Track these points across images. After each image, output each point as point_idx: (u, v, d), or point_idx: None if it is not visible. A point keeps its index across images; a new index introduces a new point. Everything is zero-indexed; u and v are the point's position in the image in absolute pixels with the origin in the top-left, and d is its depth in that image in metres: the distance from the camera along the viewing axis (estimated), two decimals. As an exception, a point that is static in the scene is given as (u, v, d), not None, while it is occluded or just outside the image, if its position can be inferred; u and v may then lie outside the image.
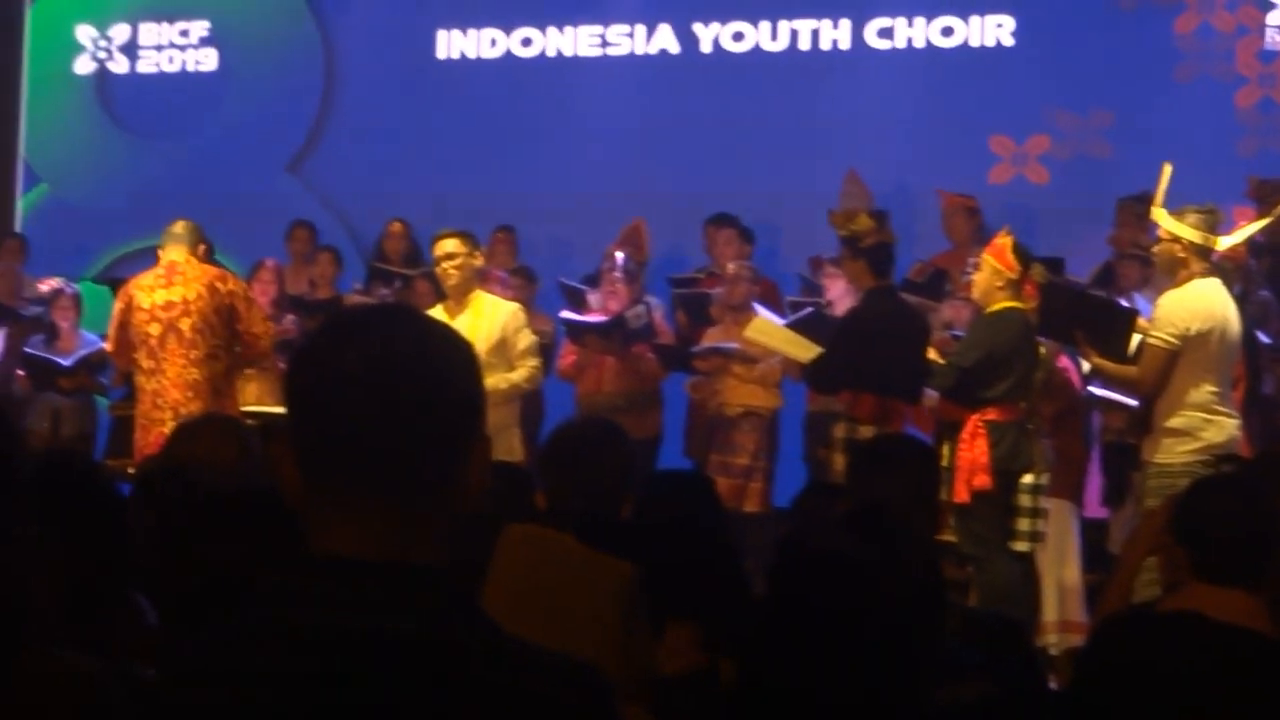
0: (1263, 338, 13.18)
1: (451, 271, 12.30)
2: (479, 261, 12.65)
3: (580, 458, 7.20)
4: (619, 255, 15.51)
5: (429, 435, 2.74)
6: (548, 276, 16.00)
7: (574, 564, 6.53)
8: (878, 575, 4.25)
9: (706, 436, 15.05)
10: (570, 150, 18.36)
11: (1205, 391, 10.93)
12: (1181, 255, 11.05)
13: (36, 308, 16.82)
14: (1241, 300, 11.84)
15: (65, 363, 15.91)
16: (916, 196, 15.99)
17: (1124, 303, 12.60)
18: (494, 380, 11.57)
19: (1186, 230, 11.03)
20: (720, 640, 6.52)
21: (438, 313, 11.91)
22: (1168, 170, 11.53)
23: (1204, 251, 11.06)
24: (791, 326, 13.35)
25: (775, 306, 14.89)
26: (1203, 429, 10.89)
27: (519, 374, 12.24)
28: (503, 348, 12.03)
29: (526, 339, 12.44)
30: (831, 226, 12.74)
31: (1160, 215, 11.21)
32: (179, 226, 12.71)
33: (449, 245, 12.28)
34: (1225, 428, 11.02)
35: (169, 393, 12.21)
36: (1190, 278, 11.02)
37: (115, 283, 13.92)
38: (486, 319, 12.18)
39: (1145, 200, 11.63)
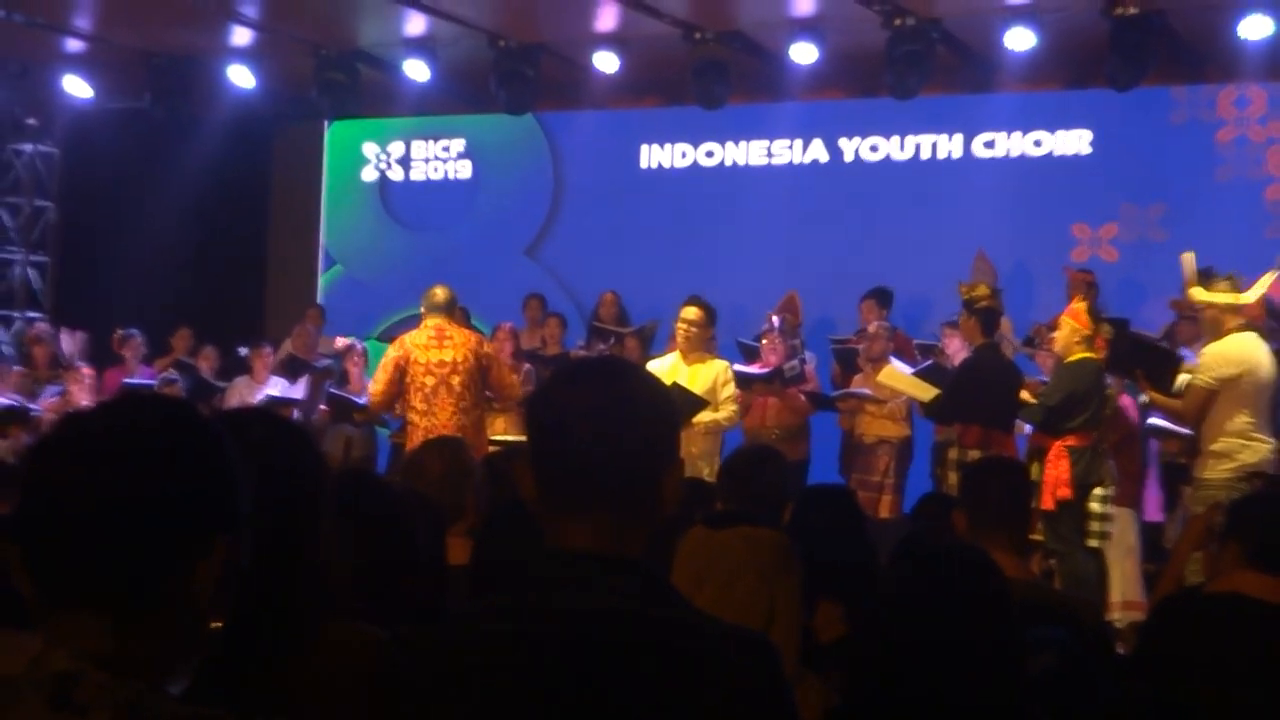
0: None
1: (688, 331, 12.59)
2: (709, 332, 12.97)
3: (750, 474, 7.34)
4: (775, 319, 15.63)
5: (637, 459, 2.80)
6: (726, 334, 15.99)
7: (738, 542, 6.58)
8: (981, 568, 4.27)
9: (849, 459, 15.16)
10: (743, 237, 18.36)
11: (1241, 422, 10.99)
12: (1219, 316, 11.09)
13: (328, 360, 17.05)
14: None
15: (361, 401, 16.10)
16: (1016, 272, 15.90)
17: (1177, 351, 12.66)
18: (707, 416, 12.21)
19: (1218, 297, 11.13)
20: (860, 615, 6.54)
21: (671, 360, 12.65)
22: (1190, 257, 11.70)
23: (1235, 309, 11.12)
24: (917, 374, 13.45)
25: (907, 355, 15.07)
26: (1239, 452, 10.95)
27: (722, 414, 12.47)
28: (712, 394, 12.26)
29: (729, 390, 12.62)
30: (958, 293, 12.82)
31: (1196, 292, 11.35)
32: (439, 293, 12.72)
33: (690, 313, 12.60)
34: (1259, 451, 11.05)
35: (439, 432, 12.31)
36: (1229, 332, 11.10)
37: (393, 341, 14.11)
38: (704, 374, 12.45)
39: (1209, 274, 11.61)
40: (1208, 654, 5.00)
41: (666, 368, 12.39)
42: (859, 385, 15.12)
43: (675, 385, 11.77)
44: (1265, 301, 12.42)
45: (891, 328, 15.59)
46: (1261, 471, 10.66)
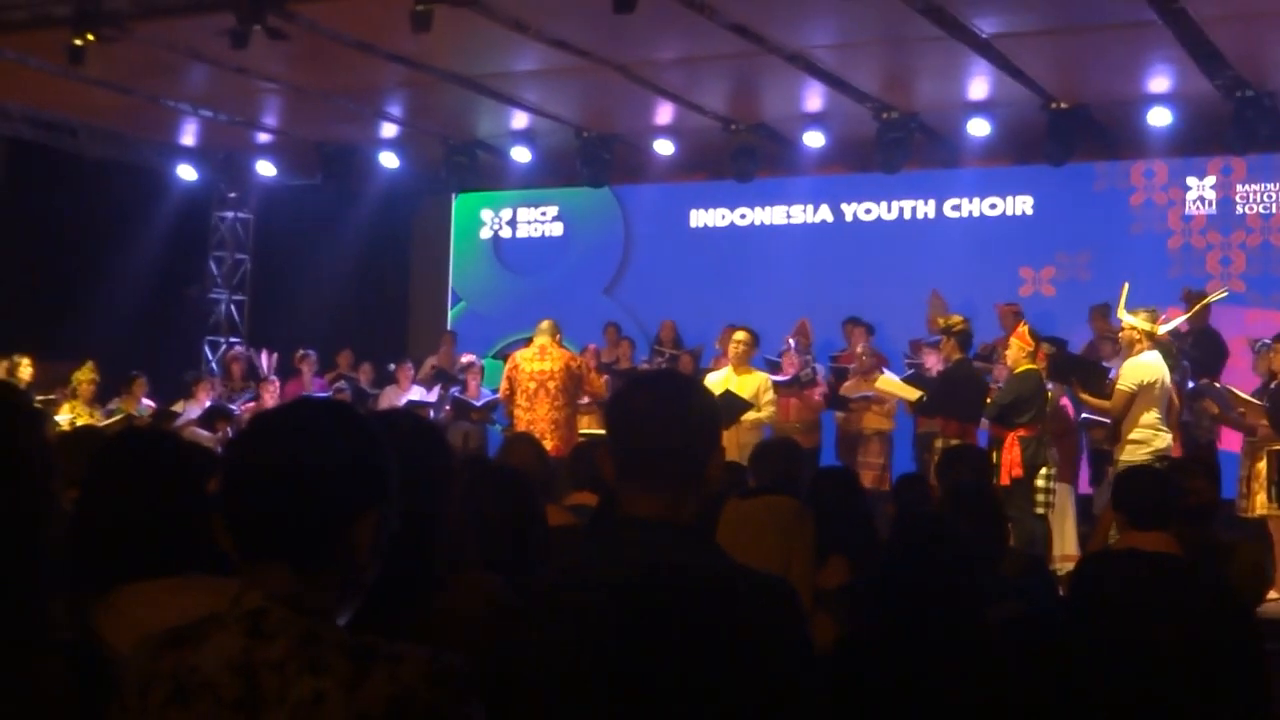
0: (1190, 384, 13.15)
1: (738, 350, 12.75)
2: (755, 351, 13.12)
3: (773, 458, 7.32)
4: (791, 341, 15.93)
5: (689, 447, 2.80)
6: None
7: (761, 509, 6.57)
8: (960, 531, 4.28)
9: (851, 448, 15.26)
10: (768, 279, 18.38)
11: (1152, 416, 11.10)
12: (1137, 337, 11.19)
13: (461, 374, 17.16)
14: (1172, 365, 11.86)
15: (478, 404, 16.22)
16: (977, 306, 15.83)
17: (1102, 364, 12.70)
18: (752, 415, 12.24)
19: (1140, 322, 11.21)
20: (861, 566, 6.52)
21: (725, 372, 12.80)
22: (1126, 286, 11.77)
23: (1150, 335, 11.17)
24: (904, 380, 13.64)
25: (886, 367, 15.27)
26: (1152, 439, 11.07)
27: (764, 414, 12.59)
28: (755, 398, 12.35)
29: (769, 395, 12.76)
30: (936, 323, 13.07)
31: (1124, 314, 11.39)
32: (545, 324, 13.51)
33: (740, 335, 12.92)
34: (1165, 439, 11.19)
35: (538, 424, 12.70)
36: (1142, 350, 11.20)
37: (505, 358, 14.30)
38: (750, 383, 12.53)
39: (1106, 308, 11.74)
40: (1117, 591, 5.02)
41: (721, 378, 12.53)
42: (849, 391, 15.33)
43: (726, 392, 11.91)
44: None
45: (874, 349, 15.88)
46: (1165, 455, 10.77)
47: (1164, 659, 4.95)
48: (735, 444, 11.40)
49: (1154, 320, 11.37)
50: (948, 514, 5.19)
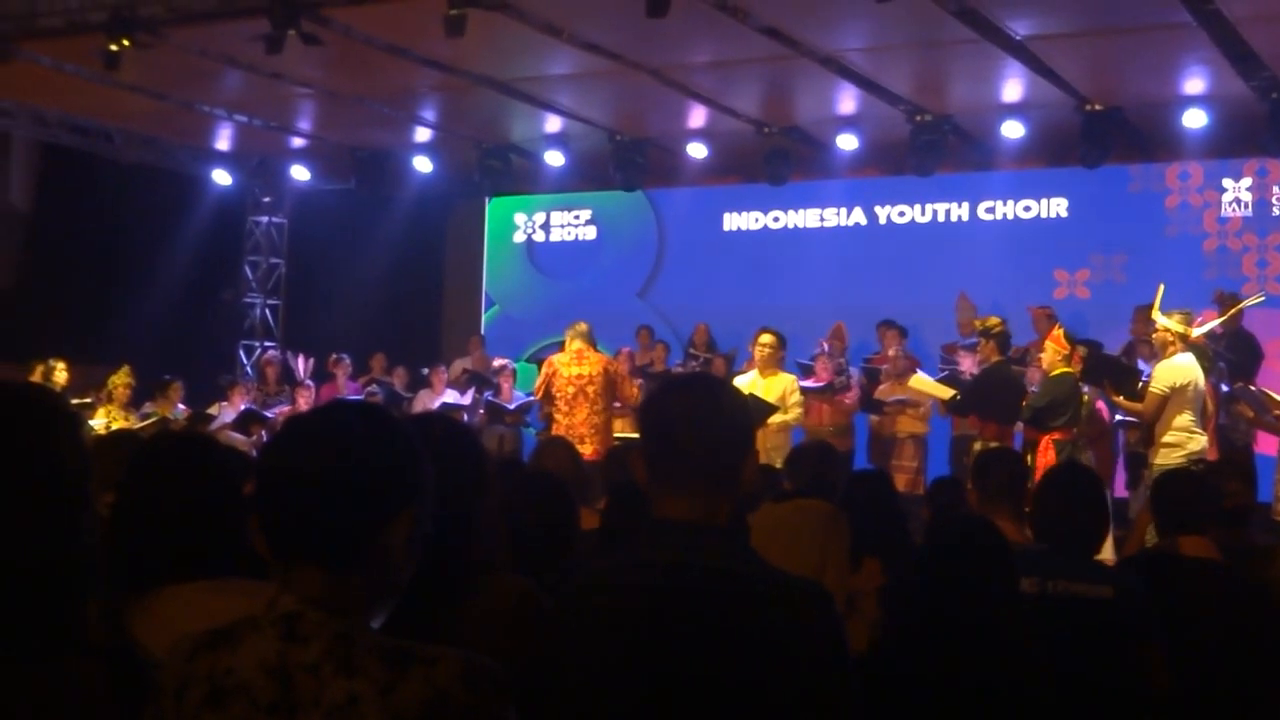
0: (1224, 387, 13.09)
1: (763, 352, 12.50)
2: (781, 353, 12.78)
3: (808, 461, 7.30)
4: (825, 345, 15.95)
5: (722, 449, 2.81)
6: (788, 355, 15.97)
7: (795, 512, 6.56)
8: (986, 531, 4.27)
9: (885, 451, 15.27)
10: (802, 282, 18.37)
11: (1186, 419, 10.98)
12: (1170, 339, 11.10)
13: (494, 377, 17.18)
14: (1208, 368, 11.81)
15: (511, 407, 16.24)
16: (1011, 308, 15.77)
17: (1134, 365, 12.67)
18: (779, 418, 12.02)
19: (1174, 324, 11.13)
20: (895, 569, 6.51)
21: (752, 375, 12.63)
22: (1161, 288, 11.63)
23: (1183, 337, 11.10)
24: (939, 380, 13.66)
25: (919, 367, 15.19)
26: (1187, 442, 10.94)
27: (790, 416, 12.36)
28: (781, 401, 12.18)
29: (795, 397, 12.51)
30: (970, 326, 13.01)
31: (1158, 316, 11.33)
32: (582, 326, 13.18)
33: (766, 338, 12.60)
34: (1199, 442, 11.05)
35: (577, 429, 12.61)
36: (1175, 353, 11.12)
37: (539, 362, 14.26)
38: (776, 386, 12.33)
39: (1149, 309, 11.66)
40: (1155, 601, 5.02)
41: (748, 381, 12.42)
42: (882, 395, 15.34)
43: (751, 395, 11.74)
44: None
45: (908, 352, 15.86)
46: (1200, 458, 10.68)
47: (1202, 661, 4.94)
48: (762, 447, 11.33)
49: (1188, 323, 11.32)
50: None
